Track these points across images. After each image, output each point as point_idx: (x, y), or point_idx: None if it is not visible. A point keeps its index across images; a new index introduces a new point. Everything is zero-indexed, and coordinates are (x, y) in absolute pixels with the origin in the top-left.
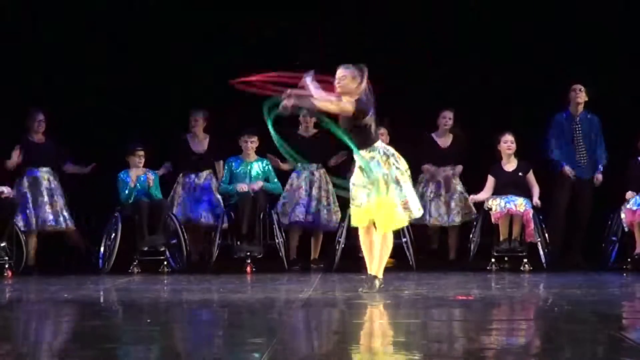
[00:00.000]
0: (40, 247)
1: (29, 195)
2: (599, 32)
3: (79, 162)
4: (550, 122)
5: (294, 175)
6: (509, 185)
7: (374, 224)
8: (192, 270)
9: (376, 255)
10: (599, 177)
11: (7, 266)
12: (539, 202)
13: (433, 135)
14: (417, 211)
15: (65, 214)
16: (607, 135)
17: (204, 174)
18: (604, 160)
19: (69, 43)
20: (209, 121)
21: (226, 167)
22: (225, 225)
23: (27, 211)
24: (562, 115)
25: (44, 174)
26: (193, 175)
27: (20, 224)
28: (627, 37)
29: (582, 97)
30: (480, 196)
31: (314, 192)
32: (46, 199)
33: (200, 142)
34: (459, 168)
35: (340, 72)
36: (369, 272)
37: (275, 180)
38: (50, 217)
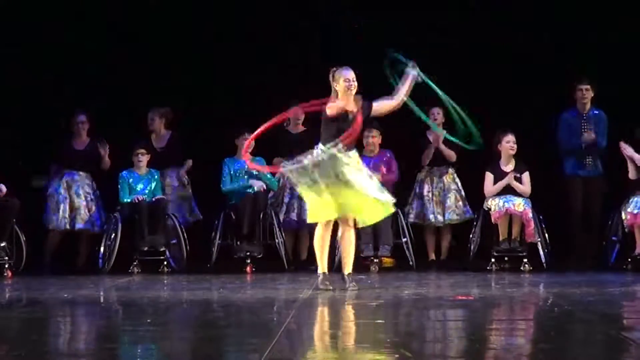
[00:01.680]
0: (39, 247)
1: (65, 195)
2: (599, 29)
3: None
4: (559, 121)
5: (277, 175)
6: (507, 185)
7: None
8: (192, 270)
9: (350, 252)
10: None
11: (7, 266)
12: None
13: (427, 133)
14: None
15: (95, 219)
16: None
17: (169, 172)
18: (603, 144)
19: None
20: (169, 118)
21: (225, 168)
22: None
23: (61, 212)
24: (570, 113)
25: (84, 179)
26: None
27: (53, 223)
28: (628, 33)
29: (589, 95)
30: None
31: (297, 191)
32: (82, 200)
33: (160, 139)
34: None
35: (352, 73)
36: (322, 270)
37: (269, 176)
38: (80, 220)
